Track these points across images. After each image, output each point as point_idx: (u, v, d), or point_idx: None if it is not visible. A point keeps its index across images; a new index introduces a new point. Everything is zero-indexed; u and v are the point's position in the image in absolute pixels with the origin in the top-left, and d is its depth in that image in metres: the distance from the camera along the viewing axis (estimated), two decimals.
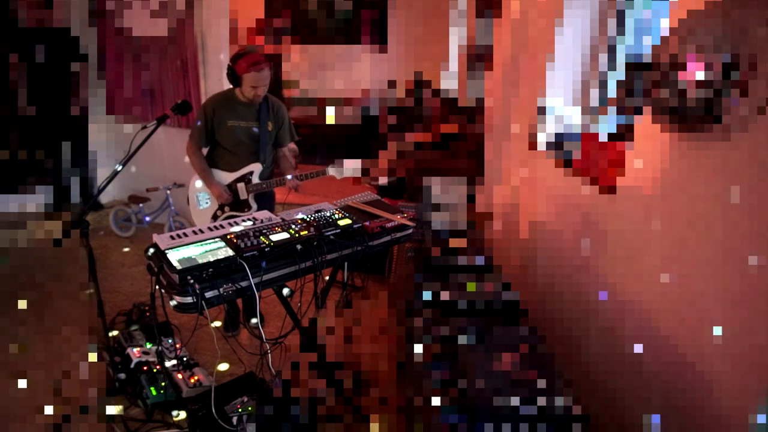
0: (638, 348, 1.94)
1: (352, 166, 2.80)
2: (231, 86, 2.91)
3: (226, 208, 2.97)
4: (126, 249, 4.42)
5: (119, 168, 2.12)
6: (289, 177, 2.93)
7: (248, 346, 2.89)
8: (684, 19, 1.72)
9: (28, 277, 3.57)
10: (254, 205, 2.99)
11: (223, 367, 2.81)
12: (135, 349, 2.67)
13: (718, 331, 1.64)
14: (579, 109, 2.40)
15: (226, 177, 2.97)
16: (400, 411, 1.81)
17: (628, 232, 2.05)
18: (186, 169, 3.06)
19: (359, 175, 2.86)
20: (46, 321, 3.04)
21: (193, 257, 1.85)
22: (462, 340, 2.09)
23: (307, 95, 6.47)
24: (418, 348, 2.00)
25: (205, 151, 3.02)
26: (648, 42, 1.93)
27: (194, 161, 2.94)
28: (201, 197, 3.04)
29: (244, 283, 1.88)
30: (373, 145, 2.85)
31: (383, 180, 3.35)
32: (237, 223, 2.17)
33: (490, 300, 2.34)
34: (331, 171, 2.83)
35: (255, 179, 2.97)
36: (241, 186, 2.95)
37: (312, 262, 2.05)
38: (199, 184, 3.02)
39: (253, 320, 2.54)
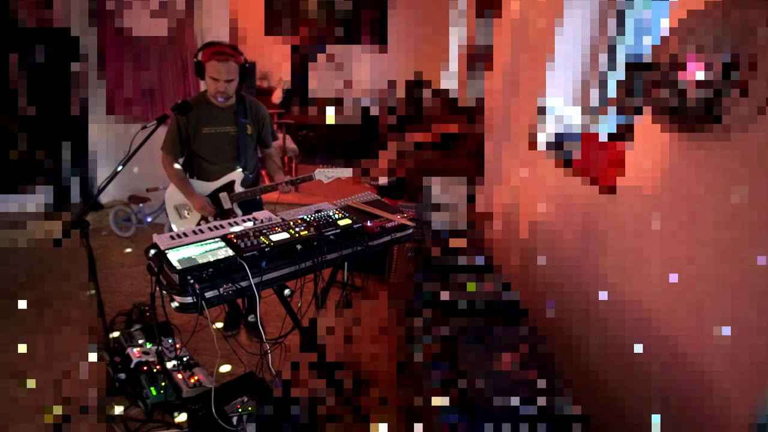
0: (638, 348, 1.94)
1: (342, 172, 2.79)
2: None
3: (210, 219, 2.79)
4: (128, 249, 4.42)
5: (120, 168, 2.11)
6: (283, 182, 2.79)
7: (248, 346, 2.89)
8: (684, 19, 1.72)
9: (28, 277, 3.58)
10: (239, 213, 2.83)
11: (225, 368, 2.81)
12: (135, 349, 2.67)
13: (718, 331, 1.64)
14: (579, 109, 2.40)
15: (206, 187, 2.80)
16: (400, 411, 1.81)
17: (628, 232, 2.05)
18: None
19: (343, 176, 2.83)
20: (46, 321, 3.04)
21: (193, 257, 1.85)
22: (462, 340, 2.09)
23: (315, 95, 6.49)
24: (418, 348, 2.00)
25: (181, 160, 2.86)
26: (648, 42, 1.93)
27: (170, 173, 2.77)
28: (180, 210, 2.88)
29: (244, 283, 1.87)
30: (373, 145, 2.85)
31: (383, 180, 3.35)
32: (237, 223, 2.17)
33: (490, 300, 2.34)
34: (318, 175, 2.79)
35: (238, 187, 2.81)
36: (223, 195, 2.79)
37: (312, 262, 2.05)
38: (175, 197, 2.86)
39: (251, 317, 2.49)
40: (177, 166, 2.79)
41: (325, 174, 2.78)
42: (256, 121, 2.86)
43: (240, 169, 2.81)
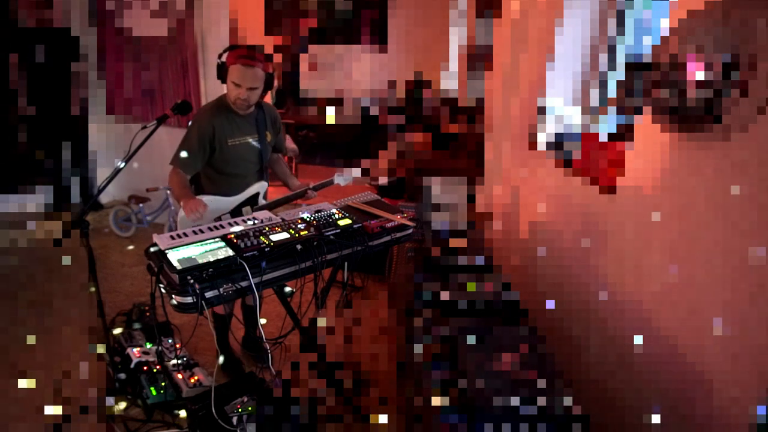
0: (638, 348, 1.94)
1: (354, 173, 2.75)
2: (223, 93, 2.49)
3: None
4: (130, 247, 4.42)
5: (122, 165, 2.11)
6: (308, 189, 2.66)
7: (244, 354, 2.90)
8: (684, 19, 1.72)
9: (28, 277, 3.57)
10: None
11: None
12: (135, 349, 2.67)
13: (718, 330, 1.64)
14: (579, 109, 2.40)
15: (228, 203, 2.54)
16: (400, 411, 1.81)
17: (628, 232, 2.05)
18: None
19: (360, 179, 2.81)
20: (46, 321, 3.04)
21: (193, 257, 1.85)
22: (462, 340, 2.09)
23: (307, 95, 6.51)
24: (418, 348, 2.01)
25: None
26: (648, 42, 1.93)
27: (175, 182, 2.41)
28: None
29: (244, 283, 1.87)
30: (373, 145, 2.85)
31: (383, 180, 3.35)
32: (237, 223, 2.17)
33: (490, 300, 2.35)
34: (337, 179, 2.73)
35: (261, 200, 2.65)
36: (246, 209, 2.56)
37: (312, 262, 2.05)
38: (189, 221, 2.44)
39: (261, 321, 2.27)
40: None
41: (343, 178, 2.73)
42: (274, 127, 2.69)
43: (264, 181, 2.65)
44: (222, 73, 2.41)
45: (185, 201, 2.29)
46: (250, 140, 2.56)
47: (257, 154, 2.60)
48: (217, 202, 2.50)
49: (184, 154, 2.42)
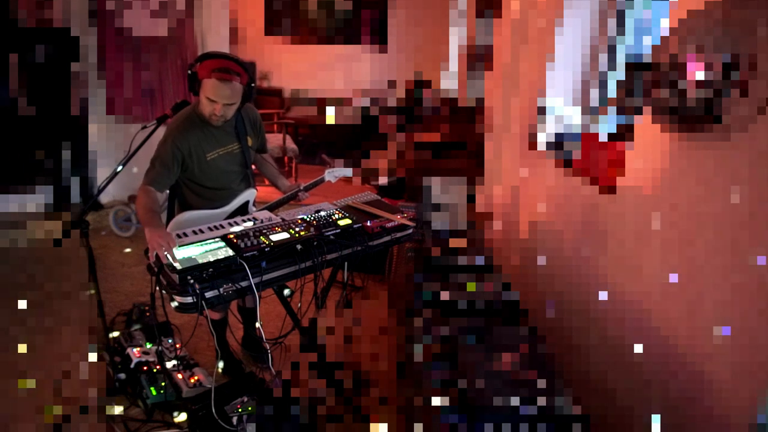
0: (638, 348, 1.94)
1: (343, 169, 2.71)
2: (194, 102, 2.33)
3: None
4: (128, 249, 4.42)
5: (119, 168, 2.11)
6: (300, 190, 2.58)
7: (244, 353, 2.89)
8: (684, 19, 1.72)
9: (28, 277, 3.57)
10: None
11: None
12: (135, 349, 2.67)
13: (717, 331, 1.64)
14: (579, 109, 2.41)
15: (217, 216, 2.39)
16: (400, 411, 1.81)
17: (628, 232, 2.05)
18: None
19: (350, 175, 2.79)
20: (46, 321, 3.04)
21: (193, 257, 1.85)
22: (462, 340, 2.09)
23: (307, 95, 6.51)
24: (418, 348, 2.01)
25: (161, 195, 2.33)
26: (648, 42, 1.93)
27: (142, 202, 2.16)
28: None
29: (244, 283, 1.88)
30: (370, 145, 2.85)
31: (383, 180, 3.35)
32: (237, 223, 2.17)
33: (490, 300, 2.35)
34: (328, 176, 2.69)
35: (251, 208, 2.57)
36: (238, 220, 2.39)
37: (312, 262, 2.05)
38: (178, 226, 2.32)
39: (257, 324, 2.22)
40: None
41: (333, 174, 2.71)
42: (254, 129, 2.52)
43: (252, 188, 2.54)
44: (194, 85, 2.20)
45: (150, 231, 1.96)
46: (230, 149, 2.39)
47: (240, 162, 2.44)
48: (207, 218, 2.33)
49: (157, 170, 2.25)
